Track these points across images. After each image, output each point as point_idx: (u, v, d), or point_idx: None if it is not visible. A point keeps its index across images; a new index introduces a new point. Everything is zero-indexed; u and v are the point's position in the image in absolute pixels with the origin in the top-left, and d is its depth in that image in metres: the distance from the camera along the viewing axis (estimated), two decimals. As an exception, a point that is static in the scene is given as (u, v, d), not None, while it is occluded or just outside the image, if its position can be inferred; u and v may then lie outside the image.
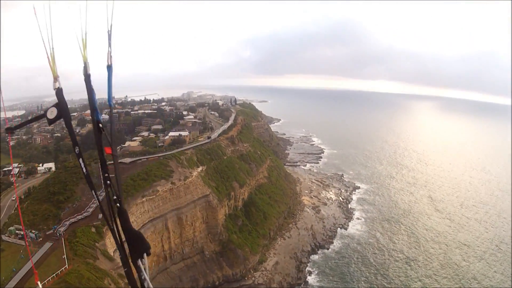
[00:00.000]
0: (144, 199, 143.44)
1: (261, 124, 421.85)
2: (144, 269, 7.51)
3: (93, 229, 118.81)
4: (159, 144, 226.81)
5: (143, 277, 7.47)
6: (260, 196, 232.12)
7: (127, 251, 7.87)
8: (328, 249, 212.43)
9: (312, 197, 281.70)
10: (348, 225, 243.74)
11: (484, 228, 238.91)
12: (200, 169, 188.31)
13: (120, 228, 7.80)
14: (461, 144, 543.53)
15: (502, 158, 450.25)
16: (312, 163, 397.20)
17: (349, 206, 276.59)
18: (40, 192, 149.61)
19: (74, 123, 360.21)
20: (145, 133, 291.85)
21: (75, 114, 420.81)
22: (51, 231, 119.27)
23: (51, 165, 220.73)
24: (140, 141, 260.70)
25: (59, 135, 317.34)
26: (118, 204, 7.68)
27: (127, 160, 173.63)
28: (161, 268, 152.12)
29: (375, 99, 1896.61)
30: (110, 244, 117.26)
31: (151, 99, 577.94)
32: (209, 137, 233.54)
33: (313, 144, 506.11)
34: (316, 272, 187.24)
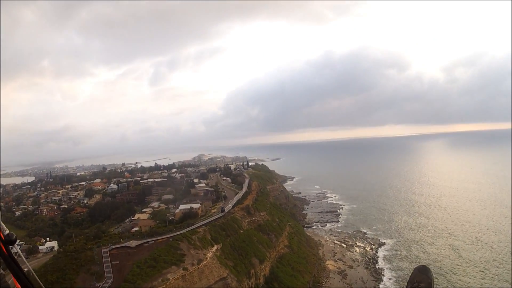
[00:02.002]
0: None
1: (276, 187, 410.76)
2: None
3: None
4: (170, 218, 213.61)
5: None
6: (282, 269, 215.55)
7: None
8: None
9: (336, 261, 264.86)
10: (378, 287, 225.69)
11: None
12: (215, 248, 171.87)
13: None
14: (474, 180, 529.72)
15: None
16: (332, 222, 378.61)
17: (377, 266, 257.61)
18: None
19: (81, 193, 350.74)
20: (155, 204, 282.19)
21: (83, 183, 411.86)
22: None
23: (54, 244, 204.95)
24: (150, 213, 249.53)
25: (65, 206, 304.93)
26: None
27: (133, 243, 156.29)
28: None
29: (384, 144, 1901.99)
30: None
31: (162, 165, 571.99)
32: (223, 210, 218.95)
33: (331, 201, 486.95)
34: None
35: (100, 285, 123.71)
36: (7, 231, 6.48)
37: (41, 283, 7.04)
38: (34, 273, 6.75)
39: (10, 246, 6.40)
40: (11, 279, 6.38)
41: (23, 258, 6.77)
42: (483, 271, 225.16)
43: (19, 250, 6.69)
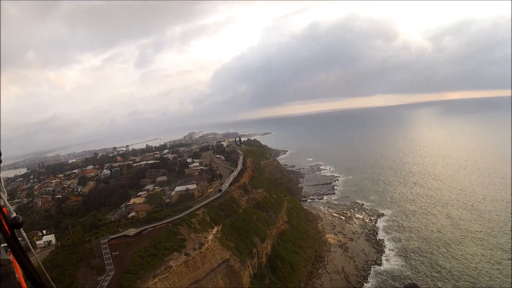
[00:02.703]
0: (156, 279, 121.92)
1: (270, 162, 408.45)
2: None
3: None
4: (166, 201, 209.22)
5: None
6: (284, 245, 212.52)
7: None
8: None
9: (336, 234, 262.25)
10: (381, 260, 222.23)
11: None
12: (215, 230, 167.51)
13: None
14: (467, 148, 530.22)
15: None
16: (328, 194, 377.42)
17: (377, 237, 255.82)
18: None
19: (75, 181, 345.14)
20: (150, 187, 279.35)
21: (76, 171, 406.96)
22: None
23: (51, 237, 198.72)
24: (145, 197, 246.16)
25: (60, 196, 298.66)
26: None
27: (131, 231, 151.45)
28: None
29: (374, 114, 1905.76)
30: None
31: (153, 146, 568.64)
32: (220, 190, 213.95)
33: (325, 173, 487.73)
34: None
35: (101, 279, 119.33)
36: (14, 214, 6.27)
37: (44, 269, 6.67)
38: (38, 259, 6.69)
39: (15, 230, 6.16)
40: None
41: (28, 242, 6.80)
42: (481, 241, 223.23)
43: (25, 234, 6.42)
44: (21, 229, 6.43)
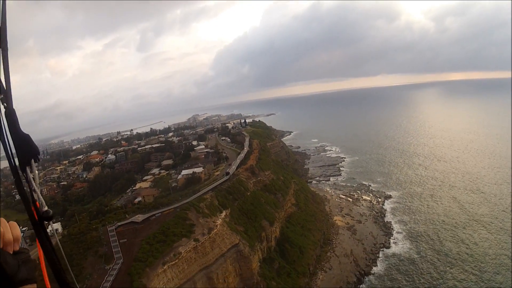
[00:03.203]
0: (165, 266, 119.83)
1: (276, 143, 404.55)
2: (34, 178, 6.46)
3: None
4: (173, 185, 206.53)
5: (32, 187, 6.41)
6: (292, 229, 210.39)
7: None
8: (373, 274, 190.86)
9: (344, 216, 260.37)
10: (389, 243, 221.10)
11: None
12: (223, 214, 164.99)
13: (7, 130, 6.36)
14: (470, 130, 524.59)
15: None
16: (335, 175, 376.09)
17: (385, 219, 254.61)
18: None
19: (80, 167, 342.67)
20: (156, 170, 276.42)
21: (80, 157, 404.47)
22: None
23: (57, 225, 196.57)
24: (151, 181, 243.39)
25: (65, 183, 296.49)
26: (5, 104, 6.28)
27: (139, 218, 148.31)
28: None
29: (378, 94, 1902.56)
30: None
31: (158, 129, 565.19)
32: (227, 173, 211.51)
33: (331, 154, 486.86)
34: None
35: (110, 267, 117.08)
36: (46, 208, 6.38)
37: (68, 265, 6.63)
38: (63, 252, 6.91)
39: (46, 223, 6.39)
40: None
41: (56, 237, 7.07)
42: (488, 225, 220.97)
43: (54, 228, 6.83)
44: (51, 222, 6.57)
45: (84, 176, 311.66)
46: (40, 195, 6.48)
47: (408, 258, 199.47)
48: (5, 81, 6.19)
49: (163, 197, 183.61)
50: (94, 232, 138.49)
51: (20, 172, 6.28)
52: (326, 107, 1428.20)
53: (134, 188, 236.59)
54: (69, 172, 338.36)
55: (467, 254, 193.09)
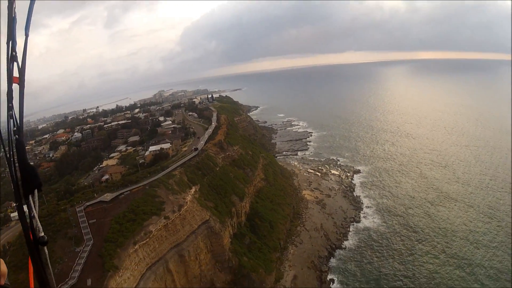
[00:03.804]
0: (136, 246, 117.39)
1: (243, 118, 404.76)
2: (34, 206, 7.10)
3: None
4: (140, 161, 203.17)
5: (32, 214, 7.03)
6: (262, 203, 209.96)
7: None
8: (344, 248, 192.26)
9: (313, 190, 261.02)
10: (359, 217, 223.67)
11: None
12: (193, 190, 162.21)
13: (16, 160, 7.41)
14: (438, 108, 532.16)
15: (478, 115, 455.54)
16: (302, 150, 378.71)
17: (354, 194, 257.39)
18: (15, 255, 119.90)
19: (46, 147, 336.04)
20: (122, 147, 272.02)
21: (46, 136, 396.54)
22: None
23: (25, 208, 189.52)
24: (118, 158, 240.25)
25: (32, 163, 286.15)
26: (17, 136, 7.23)
27: (108, 197, 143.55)
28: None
29: (345, 71, 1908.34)
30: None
31: (124, 106, 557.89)
32: (196, 149, 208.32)
33: (298, 129, 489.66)
34: (338, 279, 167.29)
35: (80, 250, 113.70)
36: (42, 233, 6.95)
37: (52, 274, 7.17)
38: (53, 279, 7.14)
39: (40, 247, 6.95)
40: None
41: (48, 262, 7.20)
42: (457, 201, 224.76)
43: (47, 251, 7.21)
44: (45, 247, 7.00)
45: (51, 155, 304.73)
46: (38, 221, 6.98)
47: (378, 232, 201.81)
48: (19, 116, 6.97)
49: (131, 174, 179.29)
50: (63, 213, 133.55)
51: (23, 199, 6.79)
52: (293, 83, 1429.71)
53: (101, 166, 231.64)
54: (36, 152, 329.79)
55: (436, 229, 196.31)
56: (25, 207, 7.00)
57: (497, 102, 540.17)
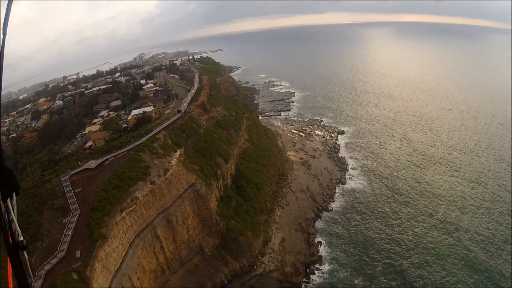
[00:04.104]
0: (123, 213, 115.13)
1: (225, 79, 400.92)
2: (13, 209, 7.20)
3: (75, 275, 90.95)
4: (123, 126, 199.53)
5: (11, 218, 7.13)
6: (247, 165, 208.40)
7: None
8: (332, 210, 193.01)
9: (297, 151, 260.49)
10: (345, 179, 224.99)
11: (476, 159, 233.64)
12: (178, 153, 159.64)
13: None
14: (421, 71, 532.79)
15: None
16: (285, 110, 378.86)
17: (339, 154, 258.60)
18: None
19: (28, 117, 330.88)
20: (104, 113, 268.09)
21: (28, 106, 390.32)
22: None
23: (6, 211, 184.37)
24: (100, 124, 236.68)
25: (14, 135, 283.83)
26: None
27: (92, 164, 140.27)
28: (160, 283, 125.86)
29: (326, 32, 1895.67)
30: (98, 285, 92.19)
31: (104, 71, 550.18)
32: (179, 111, 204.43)
33: (281, 89, 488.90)
34: (325, 241, 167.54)
35: (67, 221, 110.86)
36: (22, 238, 6.98)
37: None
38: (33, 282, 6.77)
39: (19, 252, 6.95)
40: None
41: (28, 266, 7.24)
42: (440, 166, 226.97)
43: (27, 257, 7.27)
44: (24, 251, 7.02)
45: (33, 125, 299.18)
46: (17, 225, 6.96)
47: (365, 194, 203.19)
48: None
49: (114, 139, 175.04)
50: (48, 184, 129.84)
51: (1, 202, 6.72)
52: (274, 44, 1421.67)
53: (84, 132, 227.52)
54: (18, 123, 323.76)
55: (423, 193, 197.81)
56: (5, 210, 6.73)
57: (481, 67, 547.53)
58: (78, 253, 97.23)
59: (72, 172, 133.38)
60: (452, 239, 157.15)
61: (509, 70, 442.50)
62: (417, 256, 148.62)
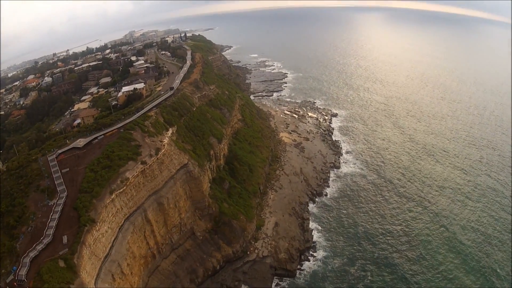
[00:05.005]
0: (113, 195, 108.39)
1: (217, 57, 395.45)
2: None
3: (62, 263, 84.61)
4: (113, 103, 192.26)
5: None
6: (240, 145, 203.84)
7: None
8: (326, 195, 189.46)
9: (290, 133, 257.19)
10: (339, 163, 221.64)
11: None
12: (170, 132, 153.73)
13: None
14: (413, 59, 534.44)
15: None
16: (278, 91, 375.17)
17: (333, 137, 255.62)
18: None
19: (16, 94, 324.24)
20: (94, 89, 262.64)
21: (17, 83, 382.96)
22: (11, 276, 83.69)
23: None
24: (89, 101, 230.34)
25: (2, 112, 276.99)
26: None
27: (81, 142, 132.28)
28: (151, 269, 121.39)
29: (318, 14, 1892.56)
30: (88, 276, 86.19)
31: (94, 47, 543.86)
32: (171, 88, 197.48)
33: (273, 70, 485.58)
34: (320, 227, 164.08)
35: (54, 203, 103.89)
36: None
37: None
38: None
39: None
40: None
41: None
42: (435, 154, 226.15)
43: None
44: None
45: (21, 102, 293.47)
46: None
47: (360, 181, 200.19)
48: None
49: (104, 117, 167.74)
50: (34, 163, 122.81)
51: None
52: (266, 24, 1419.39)
53: (72, 110, 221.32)
54: (6, 100, 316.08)
55: (412, 180, 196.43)
56: None
57: (473, 57, 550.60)
58: (65, 239, 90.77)
59: (60, 151, 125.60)
60: (443, 229, 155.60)
61: (504, 62, 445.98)
62: (410, 248, 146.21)
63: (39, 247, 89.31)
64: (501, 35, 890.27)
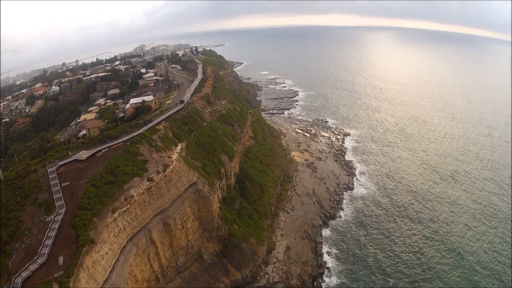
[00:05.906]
0: (116, 214, 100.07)
1: (229, 72, 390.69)
2: None
3: (56, 286, 76.22)
4: (120, 115, 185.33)
5: None
6: (251, 164, 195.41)
7: None
8: (340, 217, 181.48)
9: (302, 152, 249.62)
10: (353, 184, 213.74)
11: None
12: (179, 147, 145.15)
13: None
14: (422, 78, 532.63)
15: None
16: (289, 109, 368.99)
17: (346, 158, 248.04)
18: None
19: (22, 102, 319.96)
20: (101, 101, 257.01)
21: (24, 90, 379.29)
22: (3, 297, 76.31)
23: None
24: (96, 112, 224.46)
25: (7, 119, 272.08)
26: None
27: (83, 154, 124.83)
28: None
29: (329, 33, 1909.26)
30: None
31: (103, 59, 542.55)
32: (182, 101, 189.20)
33: (284, 87, 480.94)
34: (333, 252, 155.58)
35: (51, 219, 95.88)
36: None
37: None
38: None
39: None
40: None
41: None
42: (447, 177, 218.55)
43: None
44: None
45: (27, 110, 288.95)
46: None
47: (375, 204, 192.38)
48: None
49: (110, 129, 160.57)
50: (33, 175, 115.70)
51: None
52: (276, 42, 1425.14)
53: (78, 120, 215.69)
54: (12, 107, 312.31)
55: (427, 205, 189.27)
56: None
57: (483, 77, 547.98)
58: (61, 260, 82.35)
59: (61, 163, 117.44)
60: (457, 262, 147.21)
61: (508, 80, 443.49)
62: (426, 278, 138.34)
63: (32, 267, 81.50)
64: (506, 53, 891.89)
